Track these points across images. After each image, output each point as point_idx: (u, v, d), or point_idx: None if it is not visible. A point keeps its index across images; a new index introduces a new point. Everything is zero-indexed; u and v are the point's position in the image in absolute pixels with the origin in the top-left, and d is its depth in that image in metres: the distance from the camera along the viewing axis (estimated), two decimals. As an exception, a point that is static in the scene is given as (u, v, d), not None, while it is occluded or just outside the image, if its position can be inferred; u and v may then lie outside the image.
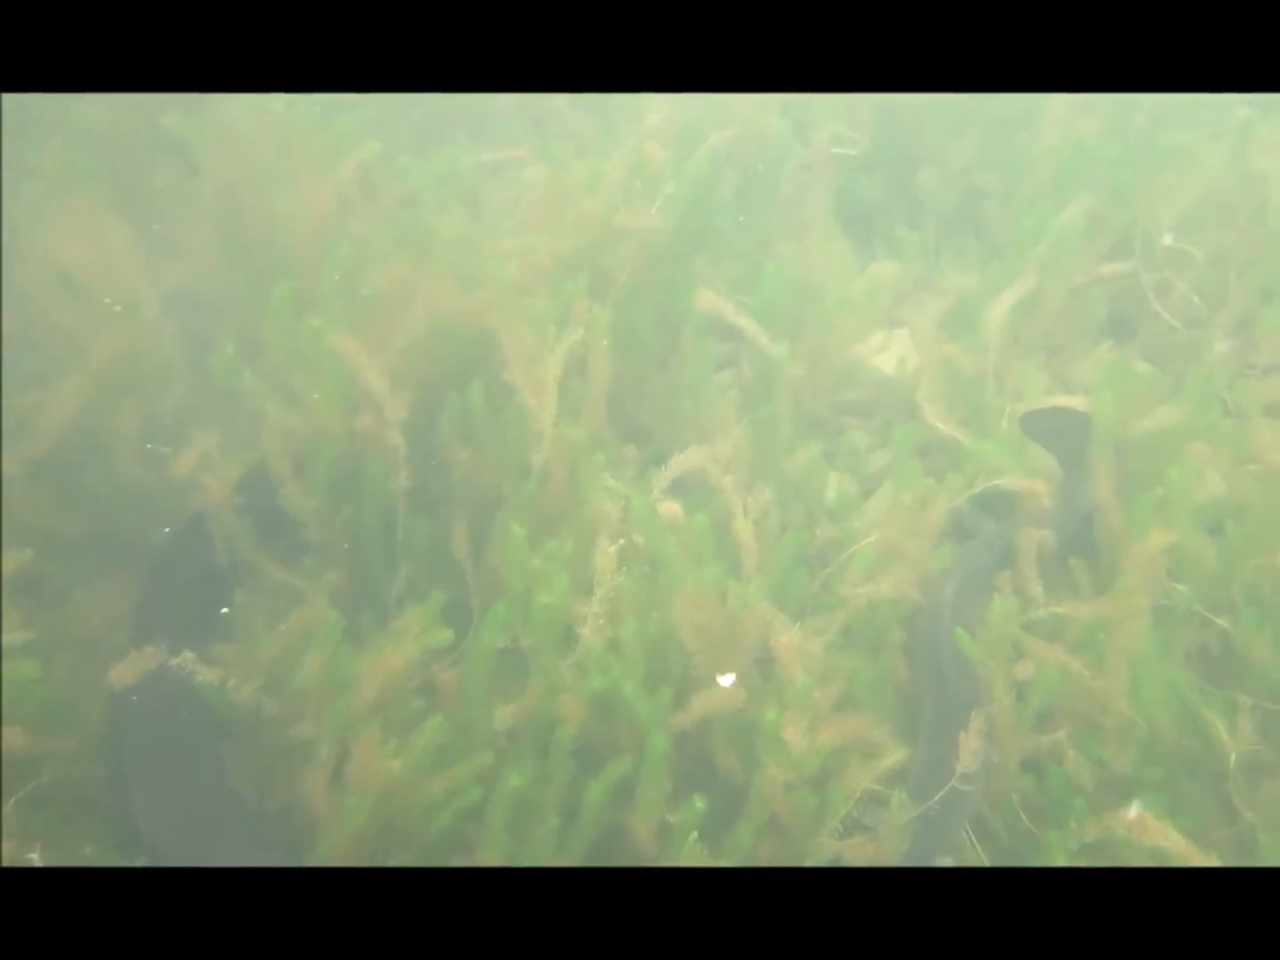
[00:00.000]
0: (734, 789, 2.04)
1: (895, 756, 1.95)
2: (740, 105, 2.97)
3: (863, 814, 1.94)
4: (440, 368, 2.32)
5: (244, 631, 2.08)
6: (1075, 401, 2.64)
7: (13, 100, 2.39)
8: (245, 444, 2.18)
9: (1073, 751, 2.04)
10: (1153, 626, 2.11)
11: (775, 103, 3.01)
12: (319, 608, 2.03)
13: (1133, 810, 1.84)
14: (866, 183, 3.17)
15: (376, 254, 2.35)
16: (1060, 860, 1.93)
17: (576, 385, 2.29)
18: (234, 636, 2.09)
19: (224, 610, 2.13)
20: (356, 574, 2.25)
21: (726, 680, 1.95)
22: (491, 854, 1.87)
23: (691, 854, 1.83)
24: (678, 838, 1.86)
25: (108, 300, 2.20)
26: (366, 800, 1.84)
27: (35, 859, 1.72)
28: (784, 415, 2.57)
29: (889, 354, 2.83)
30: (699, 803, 1.85)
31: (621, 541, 2.04)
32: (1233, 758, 2.00)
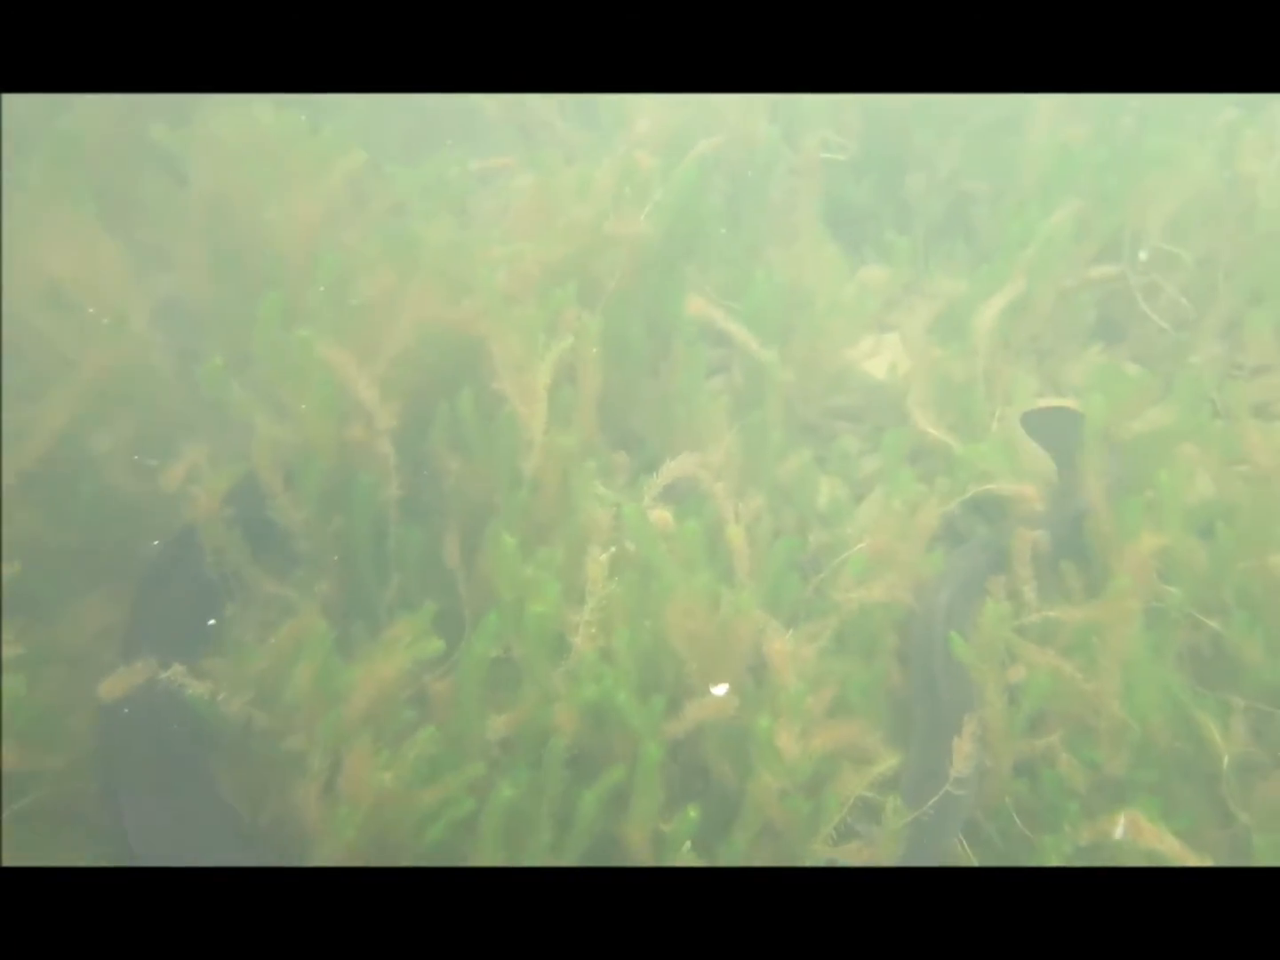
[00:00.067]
0: (728, 796, 2.03)
1: (888, 763, 1.95)
2: (729, 111, 2.98)
3: (856, 821, 1.94)
4: (430, 377, 2.31)
5: (234, 644, 2.07)
6: (1074, 402, 2.64)
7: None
8: (235, 455, 2.17)
9: (1066, 755, 2.04)
10: (1145, 629, 2.11)
11: (763, 108, 3.01)
12: (309, 619, 2.02)
13: (1119, 829, 1.84)
14: (855, 187, 3.18)
15: (365, 263, 2.34)
16: (1055, 864, 1.93)
17: (567, 393, 2.29)
18: (224, 649, 2.08)
19: (211, 622, 2.12)
20: (348, 584, 2.24)
21: (719, 690, 1.95)
22: (485, 865, 1.86)
23: (685, 863, 1.82)
24: (672, 847, 1.86)
25: (91, 310, 2.18)
26: (358, 812, 1.83)
27: None
28: (775, 421, 2.57)
29: (879, 359, 2.83)
30: (692, 812, 1.85)
31: (613, 549, 2.03)
32: (1226, 759, 2.00)
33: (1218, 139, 2.99)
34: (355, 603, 2.23)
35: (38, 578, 2.15)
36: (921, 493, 2.36)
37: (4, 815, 1.83)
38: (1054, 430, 2.54)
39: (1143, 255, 2.79)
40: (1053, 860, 1.94)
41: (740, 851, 1.93)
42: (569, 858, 1.90)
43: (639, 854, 1.92)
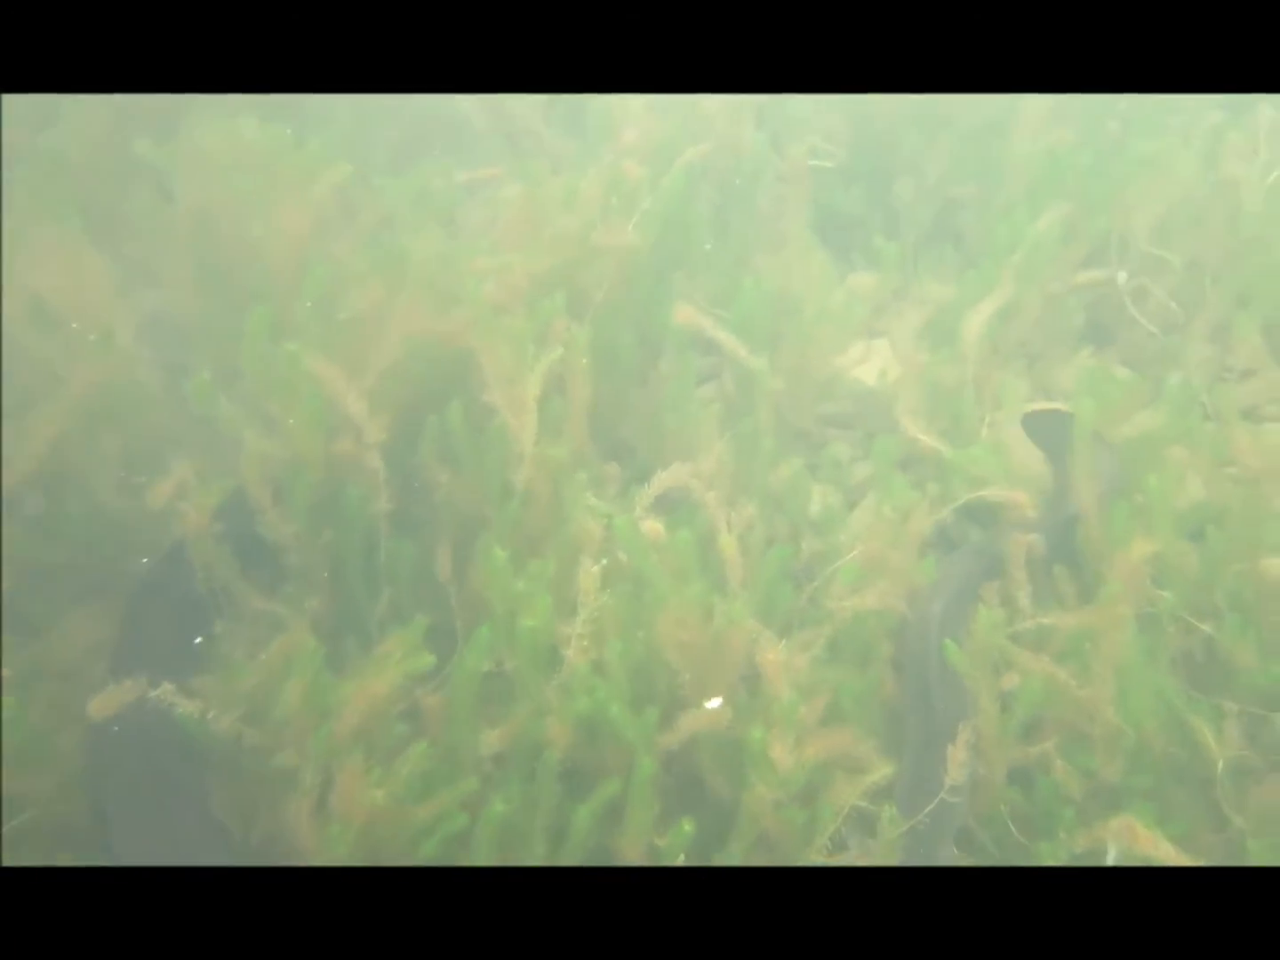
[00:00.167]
0: (723, 806, 2.03)
1: (882, 771, 1.94)
2: (716, 119, 2.98)
3: (850, 833, 1.93)
4: (419, 389, 2.31)
5: (224, 661, 2.06)
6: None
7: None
8: (224, 471, 2.16)
9: (1061, 761, 2.04)
10: (1138, 634, 2.11)
11: (750, 116, 3.02)
12: (300, 635, 2.01)
13: (1109, 857, 1.84)
14: (844, 194, 3.19)
15: (353, 276, 2.34)
16: (1050, 872, 1.93)
17: (557, 404, 2.28)
18: (214, 666, 2.07)
19: (197, 640, 2.10)
20: (339, 599, 2.23)
21: (713, 703, 1.94)
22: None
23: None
24: (666, 860, 1.85)
25: (76, 326, 2.17)
26: (351, 829, 1.82)
27: None
28: (766, 429, 2.57)
29: (870, 365, 2.83)
30: (687, 825, 1.84)
31: (604, 561, 2.03)
32: (1220, 764, 2.00)
33: (1202, 142, 3.00)
34: (346, 618, 2.22)
35: (26, 596, 2.14)
36: (913, 499, 2.37)
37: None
38: (1052, 433, 2.54)
39: (1122, 278, 2.81)
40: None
41: (736, 862, 1.92)
42: (563, 872, 1.89)
43: (634, 867, 1.91)
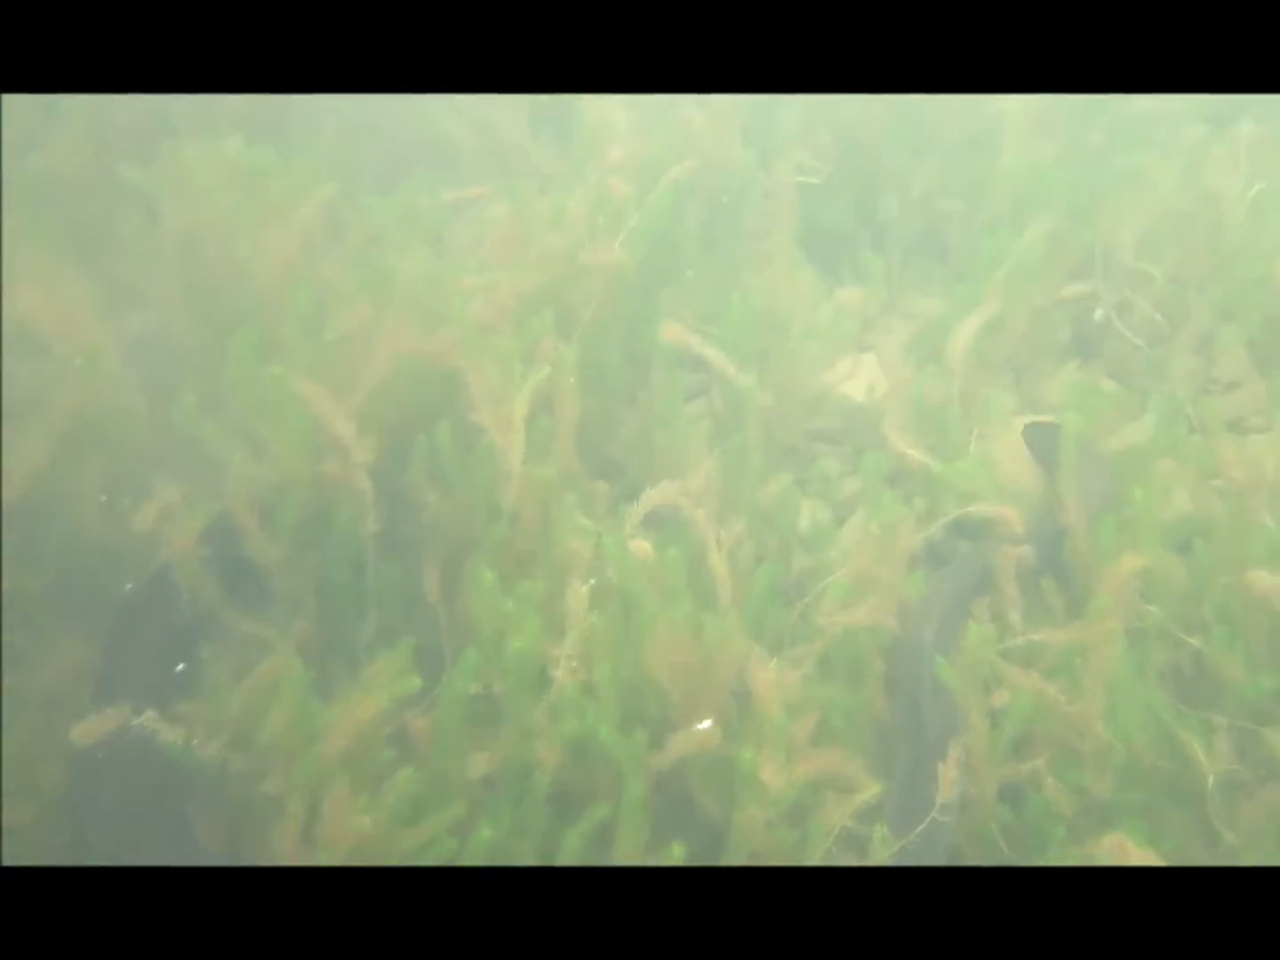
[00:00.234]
0: (714, 826, 2.02)
1: (872, 790, 1.94)
2: (702, 137, 2.99)
3: (840, 851, 1.93)
4: (407, 409, 2.30)
5: (210, 685, 2.04)
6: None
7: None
8: (209, 494, 2.15)
9: (1051, 779, 2.04)
10: (1127, 649, 2.12)
11: (737, 133, 3.02)
12: (286, 658, 2.00)
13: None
14: (831, 210, 3.19)
15: (340, 296, 2.33)
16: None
17: (545, 423, 2.28)
18: (200, 691, 2.05)
19: (179, 668, 2.09)
20: (326, 622, 2.22)
21: (703, 725, 1.94)
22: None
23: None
24: (657, 883, 1.84)
25: (59, 350, 2.16)
26: (337, 856, 1.80)
27: None
28: (755, 445, 2.57)
29: (858, 380, 2.84)
30: (676, 849, 1.83)
31: (593, 581, 2.02)
32: (1210, 779, 2.00)
33: (1185, 156, 3.02)
34: (334, 640, 2.21)
35: (9, 621, 2.12)
36: (902, 514, 2.37)
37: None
38: (1052, 446, 2.54)
39: (1098, 315, 2.84)
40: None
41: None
42: (554, 896, 1.87)
43: (625, 890, 1.89)
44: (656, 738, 1.95)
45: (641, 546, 2.08)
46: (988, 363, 2.84)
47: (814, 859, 1.90)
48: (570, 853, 1.86)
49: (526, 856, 1.88)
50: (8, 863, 1.84)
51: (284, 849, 1.84)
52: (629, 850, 1.87)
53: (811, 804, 1.97)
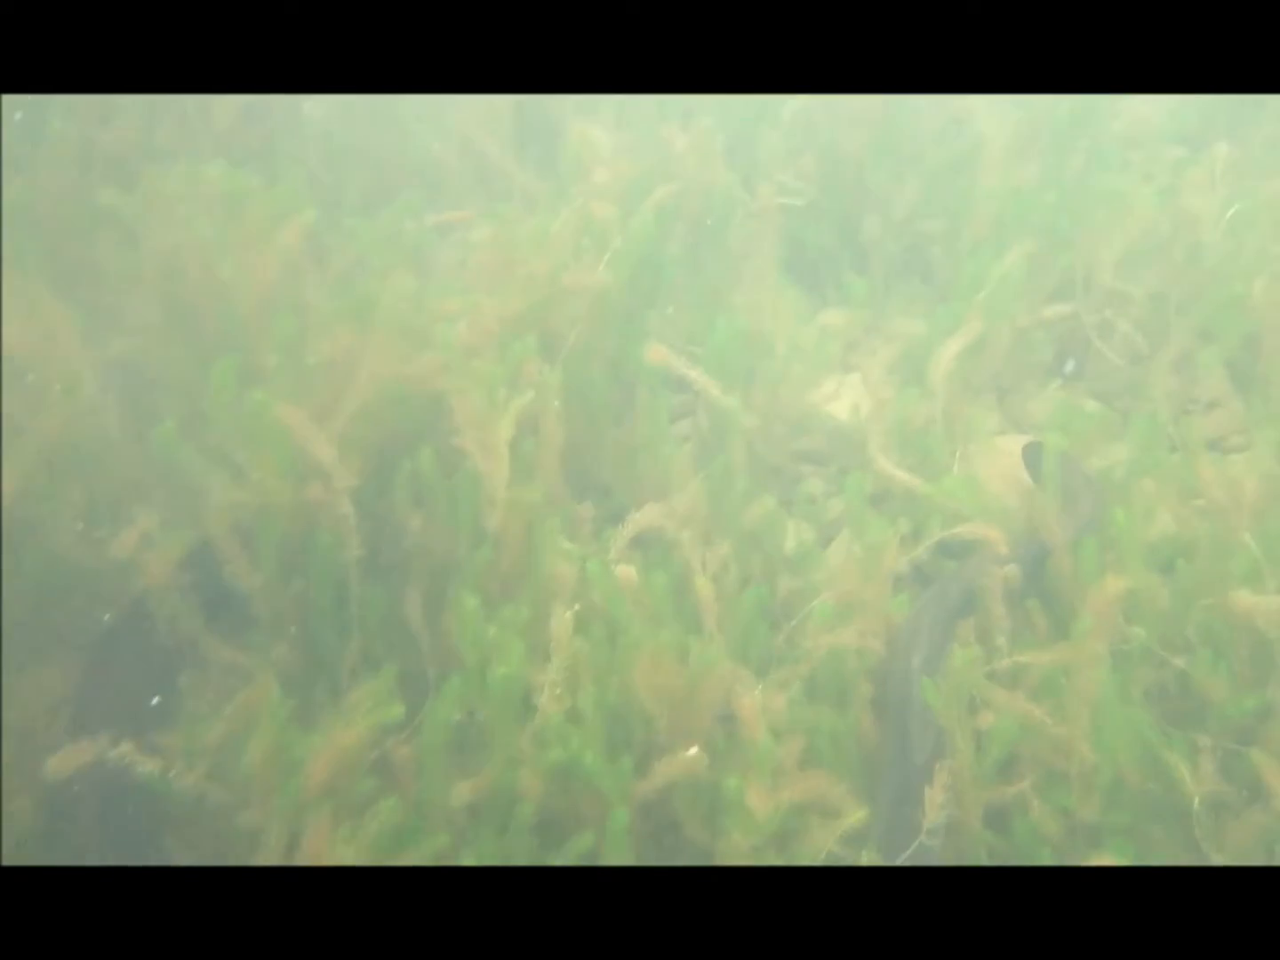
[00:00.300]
0: (700, 852, 2.00)
1: (858, 815, 1.93)
2: (686, 159, 3.01)
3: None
4: (389, 434, 2.29)
5: (188, 715, 2.02)
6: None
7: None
8: (189, 520, 2.13)
9: (1037, 801, 2.03)
10: (1111, 670, 2.11)
11: (720, 156, 3.04)
12: (265, 687, 1.97)
13: None
14: (814, 231, 3.22)
15: (322, 320, 2.32)
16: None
17: (529, 446, 2.27)
18: (178, 721, 2.02)
19: (155, 700, 2.06)
20: (308, 648, 2.19)
21: (691, 752, 1.92)
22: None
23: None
24: (642, 912, 1.82)
25: (34, 377, 2.14)
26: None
27: None
28: (740, 466, 2.56)
29: (842, 401, 2.85)
30: (662, 877, 1.81)
31: (578, 606, 2.01)
32: (1196, 800, 1.99)
33: (1163, 178, 3.06)
34: (316, 667, 2.18)
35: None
36: (887, 535, 2.36)
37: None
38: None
39: (1069, 367, 2.88)
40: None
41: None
42: (538, 927, 1.85)
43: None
44: (641, 764, 1.94)
45: (626, 571, 2.07)
46: (971, 383, 2.85)
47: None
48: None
49: (510, 887, 1.85)
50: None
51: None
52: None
53: (798, 829, 1.96)
